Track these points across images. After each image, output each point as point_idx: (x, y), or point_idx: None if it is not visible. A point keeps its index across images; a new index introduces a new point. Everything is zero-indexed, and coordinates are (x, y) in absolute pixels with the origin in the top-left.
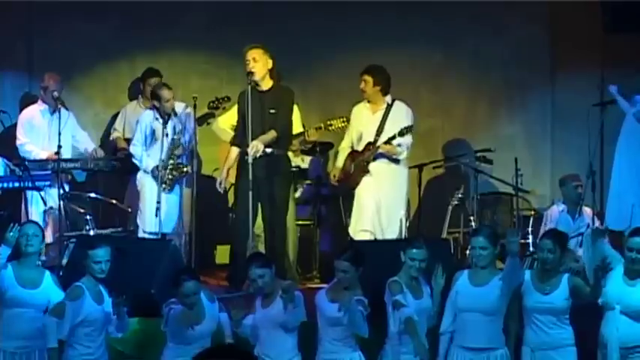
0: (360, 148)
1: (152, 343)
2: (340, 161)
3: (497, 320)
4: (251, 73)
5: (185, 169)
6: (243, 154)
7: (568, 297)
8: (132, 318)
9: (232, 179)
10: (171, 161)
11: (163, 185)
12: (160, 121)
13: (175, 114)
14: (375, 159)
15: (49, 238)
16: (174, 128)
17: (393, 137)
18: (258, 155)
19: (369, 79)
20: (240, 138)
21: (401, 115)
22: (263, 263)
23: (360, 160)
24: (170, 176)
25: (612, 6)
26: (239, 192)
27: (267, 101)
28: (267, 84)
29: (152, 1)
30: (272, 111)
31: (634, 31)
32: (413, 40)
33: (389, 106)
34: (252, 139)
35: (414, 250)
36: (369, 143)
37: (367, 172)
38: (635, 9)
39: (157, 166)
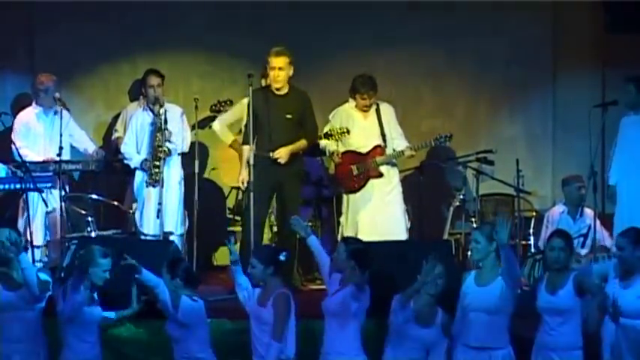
0: (362, 150)
1: (155, 344)
2: (334, 146)
3: (501, 320)
4: (274, 81)
5: (161, 149)
6: (255, 157)
7: (575, 296)
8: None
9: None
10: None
11: (150, 178)
12: (149, 113)
13: (161, 104)
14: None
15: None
16: (165, 121)
17: (419, 147)
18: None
19: (374, 93)
20: (249, 138)
21: (391, 116)
22: (260, 255)
23: (372, 162)
24: (156, 163)
25: (614, 6)
26: (250, 194)
27: (284, 106)
28: (284, 89)
29: (153, 2)
30: (288, 116)
31: (635, 32)
32: (413, 40)
33: (378, 109)
34: (269, 143)
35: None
36: (378, 146)
37: (381, 175)
38: (636, 9)
39: (146, 159)
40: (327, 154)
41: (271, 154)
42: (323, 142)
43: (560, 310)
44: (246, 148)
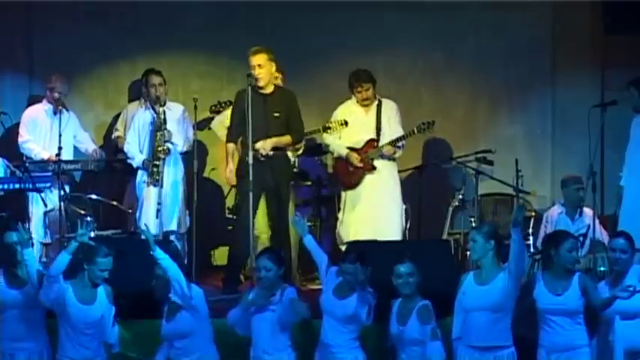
0: (358, 145)
1: (152, 343)
2: (344, 150)
3: (504, 318)
4: (256, 79)
5: (161, 148)
6: (243, 155)
7: (581, 297)
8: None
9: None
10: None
11: (150, 177)
12: (151, 112)
13: (163, 103)
14: (379, 157)
15: (49, 239)
16: (164, 120)
17: (404, 137)
18: (261, 156)
19: (370, 86)
20: (236, 136)
21: (392, 111)
22: (274, 258)
23: (365, 157)
24: (156, 162)
25: (613, 7)
26: (241, 194)
27: (271, 104)
28: (269, 87)
29: (152, 2)
30: (276, 114)
31: (635, 32)
32: (413, 40)
33: (379, 105)
34: (254, 141)
35: (401, 267)
36: (372, 140)
37: (374, 168)
38: (636, 10)
39: (146, 159)
40: (327, 148)
41: (255, 146)
42: (322, 137)
43: (569, 311)
44: (229, 146)
